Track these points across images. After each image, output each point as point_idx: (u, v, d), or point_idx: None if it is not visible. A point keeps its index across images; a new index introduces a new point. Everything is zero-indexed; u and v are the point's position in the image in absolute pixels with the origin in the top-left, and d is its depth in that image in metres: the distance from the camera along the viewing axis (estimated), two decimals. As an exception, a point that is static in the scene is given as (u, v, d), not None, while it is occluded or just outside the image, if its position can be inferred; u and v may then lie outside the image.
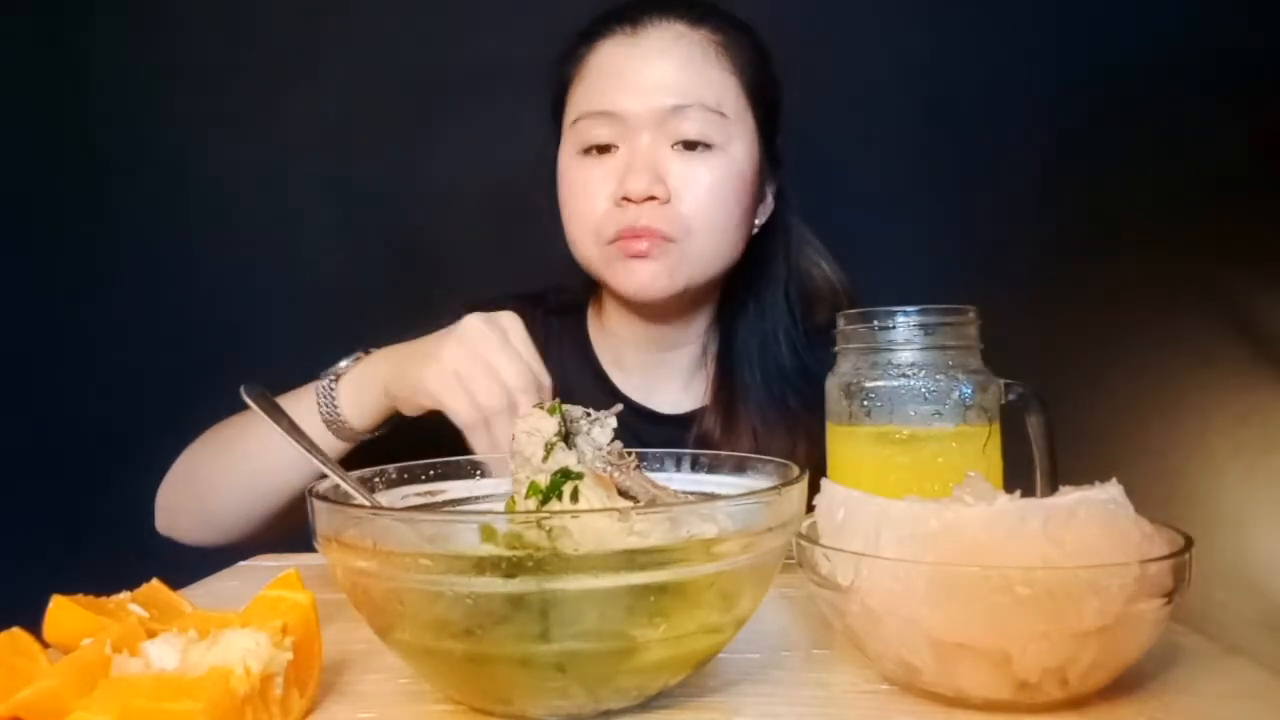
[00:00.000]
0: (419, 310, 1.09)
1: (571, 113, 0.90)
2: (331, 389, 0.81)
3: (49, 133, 1.48)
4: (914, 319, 0.66)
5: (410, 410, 0.78)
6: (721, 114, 0.87)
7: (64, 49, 1.48)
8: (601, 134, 0.87)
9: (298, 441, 0.57)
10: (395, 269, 1.45)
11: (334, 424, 0.81)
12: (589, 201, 0.89)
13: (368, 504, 0.52)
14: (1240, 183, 1.29)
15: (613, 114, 0.86)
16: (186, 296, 1.44)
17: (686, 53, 0.87)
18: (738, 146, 0.88)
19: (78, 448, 1.43)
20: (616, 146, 0.87)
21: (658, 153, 0.86)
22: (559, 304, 1.04)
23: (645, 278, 0.88)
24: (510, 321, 0.77)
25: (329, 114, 1.44)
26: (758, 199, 0.94)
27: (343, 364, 0.83)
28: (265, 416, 0.59)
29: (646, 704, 0.46)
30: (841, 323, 0.70)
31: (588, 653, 0.43)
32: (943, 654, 0.44)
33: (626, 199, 0.85)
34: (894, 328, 0.66)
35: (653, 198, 0.85)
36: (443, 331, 0.77)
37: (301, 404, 0.81)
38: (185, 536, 0.91)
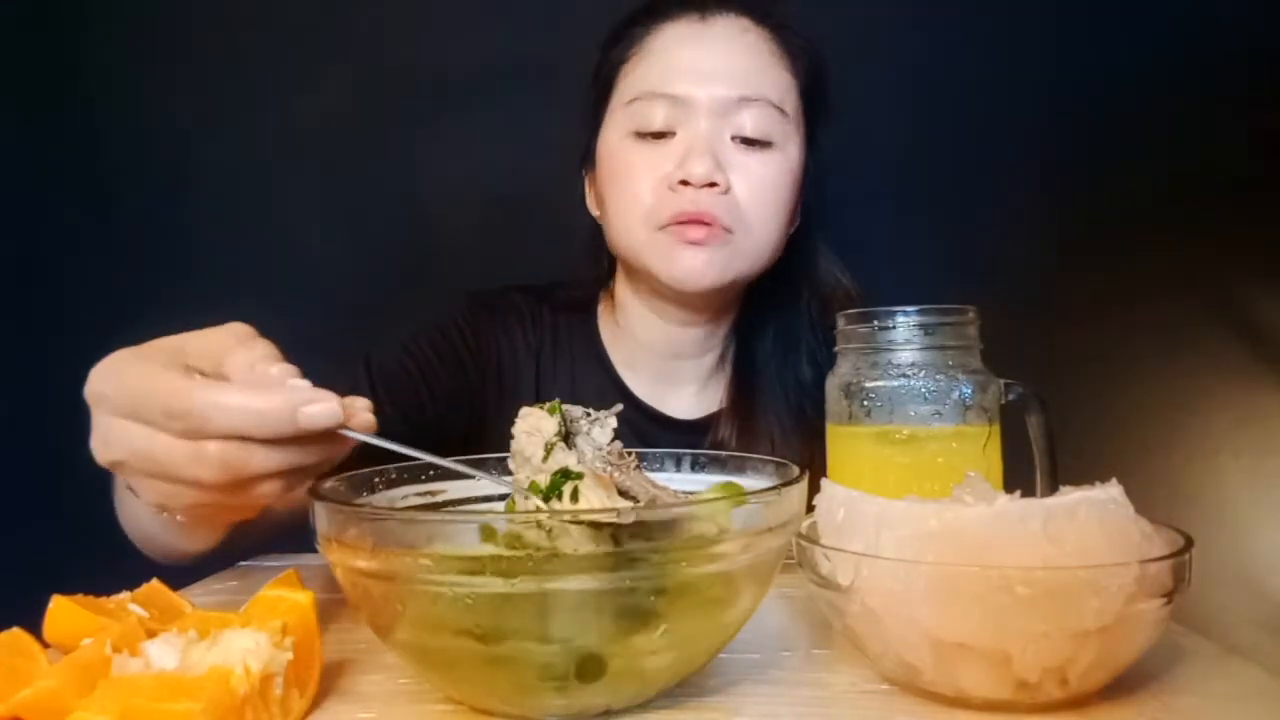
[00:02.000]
0: (418, 310, 1.09)
1: (626, 93, 0.88)
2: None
3: (49, 134, 1.48)
4: (914, 319, 0.66)
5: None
6: (783, 112, 0.86)
7: (64, 49, 1.48)
8: (659, 116, 0.85)
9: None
10: (395, 268, 1.45)
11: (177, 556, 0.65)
12: (643, 184, 0.86)
13: (472, 474, 0.50)
14: (1240, 183, 1.29)
15: (675, 97, 0.85)
16: (186, 296, 1.44)
17: (754, 47, 0.87)
18: (792, 148, 0.88)
19: (78, 447, 1.43)
20: (673, 133, 0.85)
21: (718, 142, 0.85)
22: (567, 300, 1.02)
23: (698, 264, 0.85)
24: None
25: (329, 114, 1.44)
26: (799, 204, 0.93)
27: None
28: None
29: (646, 704, 0.46)
30: (841, 323, 0.70)
31: (587, 653, 0.43)
32: (943, 654, 0.44)
33: (685, 182, 0.83)
34: (894, 328, 0.66)
35: (713, 184, 0.83)
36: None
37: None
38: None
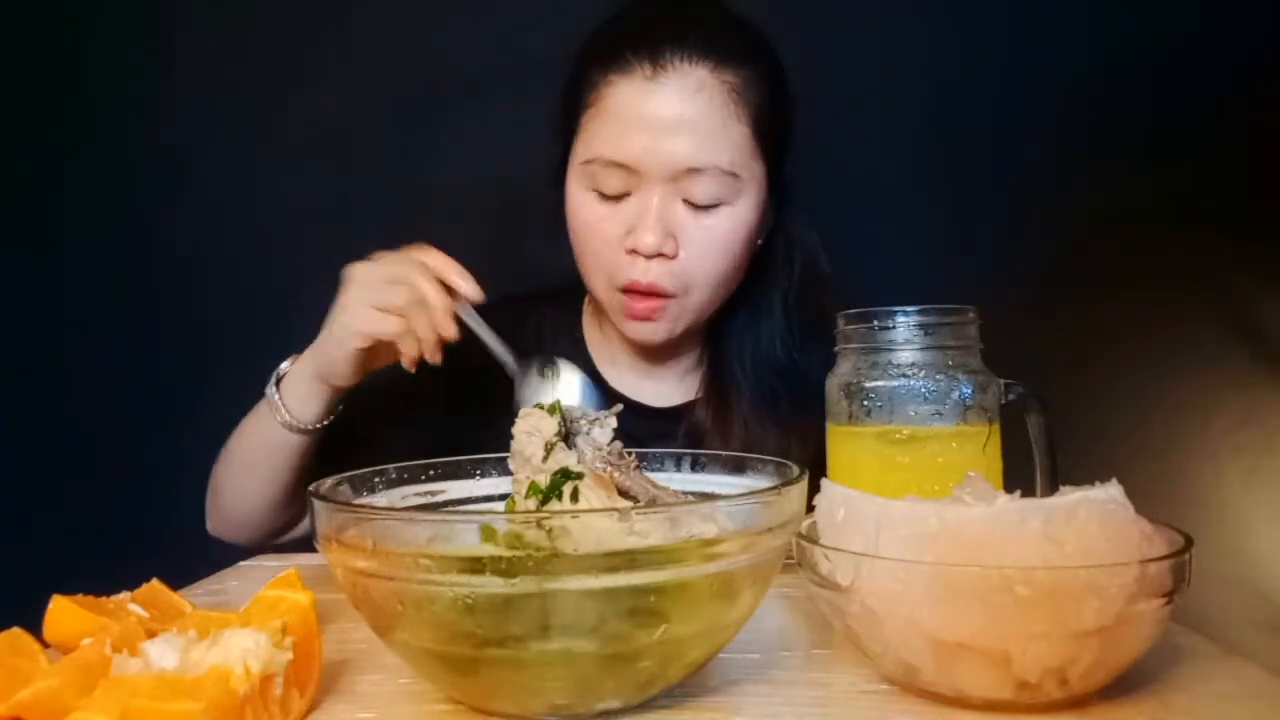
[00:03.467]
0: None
1: (584, 150, 0.89)
2: (277, 394, 0.85)
3: (51, 133, 1.48)
4: (914, 319, 0.66)
5: (346, 377, 0.83)
6: (734, 175, 0.87)
7: (64, 49, 1.48)
8: (614, 183, 0.87)
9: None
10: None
11: (290, 424, 0.85)
12: (601, 243, 0.89)
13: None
14: (1240, 183, 1.29)
15: (627, 166, 0.86)
16: (187, 297, 1.44)
17: (706, 107, 0.85)
18: (745, 200, 0.89)
19: (78, 448, 1.43)
20: (628, 194, 0.87)
21: (668, 207, 0.86)
22: (554, 301, 1.06)
23: (645, 332, 0.92)
24: (383, 254, 0.83)
25: (329, 114, 1.44)
26: (760, 233, 0.94)
27: (282, 366, 0.87)
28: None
29: (647, 704, 0.46)
30: (841, 323, 0.70)
31: (588, 653, 0.43)
32: (943, 654, 0.44)
33: (636, 251, 0.87)
34: (894, 328, 0.66)
35: (661, 254, 0.86)
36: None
37: (261, 416, 0.87)
38: (228, 538, 0.93)
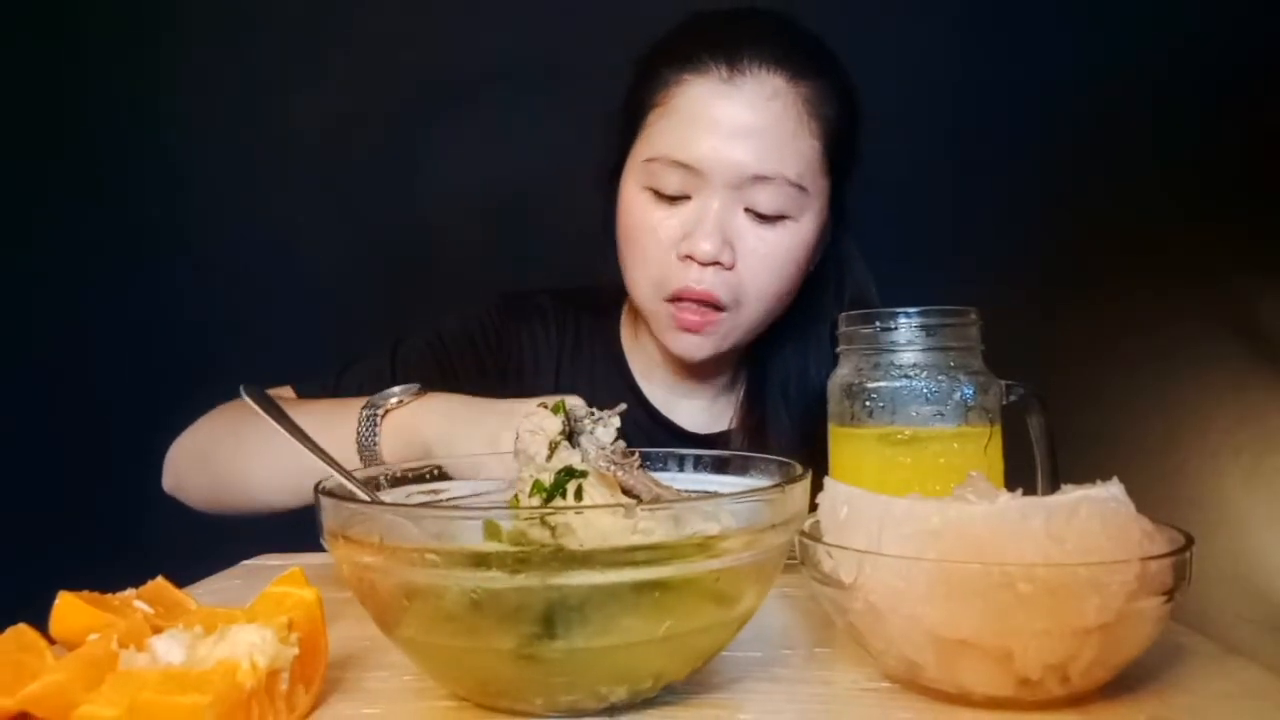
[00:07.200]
0: (417, 310, 1.10)
1: (647, 148, 0.86)
2: (375, 420, 0.77)
3: (52, 132, 1.48)
4: (915, 320, 0.66)
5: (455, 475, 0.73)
6: (801, 187, 0.84)
7: (65, 49, 1.48)
8: (674, 182, 0.84)
9: (301, 441, 0.57)
10: (394, 268, 1.46)
11: (366, 453, 0.77)
12: (654, 248, 0.86)
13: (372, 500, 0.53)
14: (1240, 183, 1.29)
15: (690, 168, 0.83)
16: (188, 296, 1.45)
17: (779, 116, 0.83)
18: (808, 217, 0.87)
19: (82, 447, 1.43)
20: (687, 197, 0.84)
21: (729, 215, 0.83)
22: (593, 303, 1.02)
23: (690, 346, 0.88)
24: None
25: (329, 114, 1.44)
26: (817, 255, 0.92)
27: (394, 395, 0.78)
28: (266, 417, 0.59)
29: (649, 700, 0.47)
30: (843, 324, 0.70)
31: (591, 649, 0.43)
32: (945, 651, 0.44)
33: (691, 257, 0.84)
34: (896, 329, 0.67)
35: (718, 262, 0.83)
36: (504, 404, 0.77)
37: (340, 422, 0.78)
38: (192, 500, 0.89)
